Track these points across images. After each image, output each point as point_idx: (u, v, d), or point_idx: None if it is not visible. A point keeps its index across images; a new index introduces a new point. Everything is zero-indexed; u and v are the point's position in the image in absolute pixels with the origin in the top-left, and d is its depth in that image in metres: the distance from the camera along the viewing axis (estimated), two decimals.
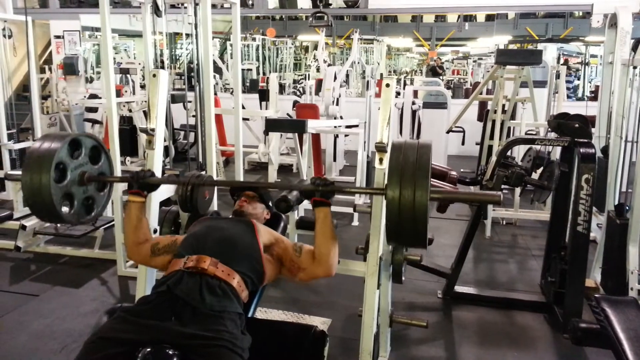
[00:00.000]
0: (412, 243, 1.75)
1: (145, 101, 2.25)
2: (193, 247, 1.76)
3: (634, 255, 3.01)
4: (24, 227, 3.74)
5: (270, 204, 2.23)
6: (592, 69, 12.91)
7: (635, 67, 3.25)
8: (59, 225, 3.87)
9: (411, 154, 1.60)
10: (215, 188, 2.65)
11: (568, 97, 8.87)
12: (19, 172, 1.77)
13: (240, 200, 2.14)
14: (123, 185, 3.62)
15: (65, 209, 1.82)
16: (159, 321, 1.52)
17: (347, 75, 8.68)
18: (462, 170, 6.49)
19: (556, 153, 3.93)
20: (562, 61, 11.83)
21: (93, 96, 7.61)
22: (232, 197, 2.26)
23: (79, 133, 1.92)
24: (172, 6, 4.03)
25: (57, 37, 9.07)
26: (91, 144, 1.92)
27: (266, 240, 1.90)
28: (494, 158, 3.04)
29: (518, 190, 4.64)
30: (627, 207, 3.13)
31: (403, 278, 2.28)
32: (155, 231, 2.22)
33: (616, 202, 3.31)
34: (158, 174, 2.27)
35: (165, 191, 2.60)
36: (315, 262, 1.83)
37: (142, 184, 1.89)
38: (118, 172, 3.46)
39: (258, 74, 12.15)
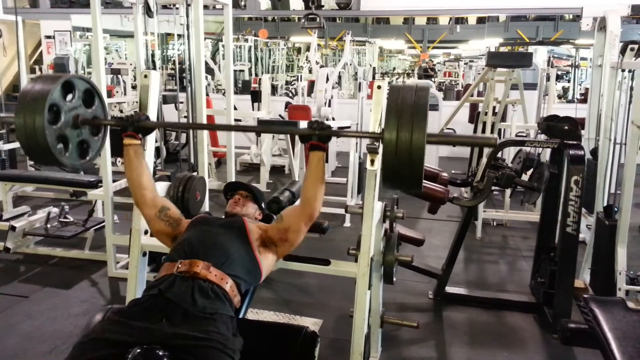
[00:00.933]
0: (408, 186, 1.71)
1: (137, 102, 2.25)
2: (186, 252, 1.76)
3: (623, 256, 3.04)
4: (13, 228, 3.71)
5: (262, 204, 2.24)
6: (581, 71, 13.01)
7: (624, 70, 3.29)
8: (49, 225, 3.85)
9: (409, 97, 1.59)
10: (207, 190, 2.65)
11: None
12: (12, 115, 1.74)
13: (233, 200, 2.14)
14: (114, 185, 3.62)
15: (60, 153, 1.78)
16: (149, 323, 1.51)
17: (340, 77, 8.71)
18: (453, 171, 6.53)
19: (546, 155, 3.96)
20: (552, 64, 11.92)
21: None
22: (225, 197, 2.26)
23: (72, 74, 1.87)
24: (164, 7, 4.02)
25: (48, 37, 9.02)
26: (84, 87, 1.88)
27: (256, 235, 1.91)
28: (484, 160, 3.06)
29: (508, 191, 4.66)
30: (616, 209, 3.16)
31: (394, 279, 2.29)
32: (146, 232, 2.22)
33: (605, 204, 3.35)
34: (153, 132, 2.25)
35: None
36: (300, 209, 1.88)
37: (136, 127, 1.88)
38: (109, 178, 3.46)
39: (250, 75, 12.15)
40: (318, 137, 1.80)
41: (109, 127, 2.02)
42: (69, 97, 1.82)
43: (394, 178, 1.63)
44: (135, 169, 1.91)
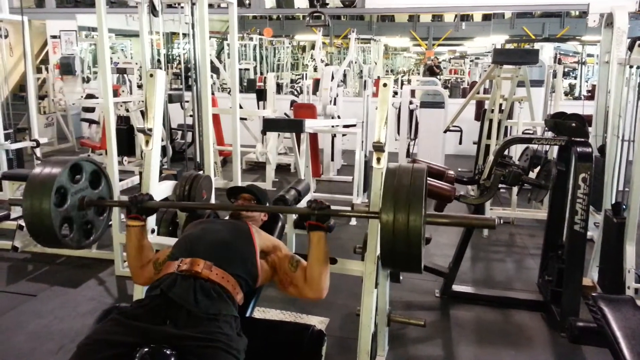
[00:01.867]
0: (407, 267, 1.75)
1: (143, 101, 2.25)
2: (187, 250, 1.75)
3: (631, 253, 3.02)
4: (21, 227, 3.72)
5: (267, 205, 2.23)
6: (588, 68, 12.93)
7: (631, 67, 3.26)
8: None
9: (405, 178, 1.61)
10: (213, 189, 2.65)
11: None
12: (21, 198, 1.80)
13: (237, 202, 2.14)
14: (121, 184, 3.63)
15: (65, 233, 1.84)
16: (153, 324, 1.51)
17: (345, 75, 8.69)
18: (459, 169, 6.51)
19: (553, 152, 3.93)
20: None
21: (90, 96, 7.59)
22: (228, 199, 2.25)
23: (80, 157, 1.94)
24: (169, 6, 4.02)
25: (54, 37, 9.05)
26: (91, 169, 1.95)
27: (263, 245, 1.89)
28: (491, 157, 3.04)
29: (515, 189, 4.64)
30: (624, 206, 3.13)
31: (401, 277, 2.29)
32: (153, 231, 2.22)
33: (613, 201, 3.32)
34: (156, 173, 2.28)
35: (164, 191, 2.60)
36: (307, 283, 1.82)
37: (140, 208, 1.90)
38: (116, 177, 3.47)
39: (255, 73, 12.13)
40: (317, 217, 1.77)
41: (114, 206, 2.07)
42: (77, 179, 1.88)
43: (393, 258, 1.65)
44: (137, 251, 1.91)
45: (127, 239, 1.92)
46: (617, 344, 1.83)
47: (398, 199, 1.57)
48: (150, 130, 2.23)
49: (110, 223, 3.68)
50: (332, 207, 1.83)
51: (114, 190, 3.43)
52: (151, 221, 2.19)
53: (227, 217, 2.14)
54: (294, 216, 2.73)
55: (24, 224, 3.72)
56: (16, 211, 4.10)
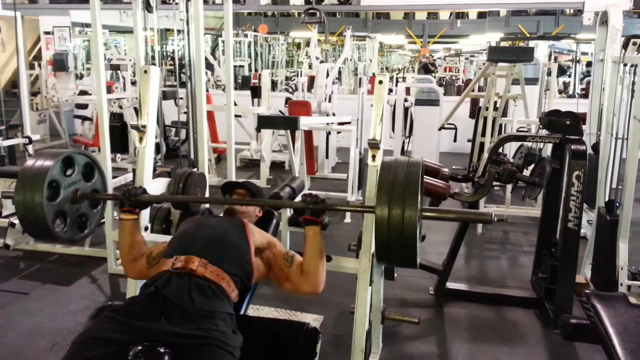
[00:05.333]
0: (402, 262, 1.74)
1: (136, 98, 2.24)
2: (182, 247, 1.74)
3: (624, 251, 3.04)
4: (13, 225, 3.70)
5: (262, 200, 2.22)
6: (583, 66, 12.98)
7: (625, 65, 3.27)
8: None
9: (400, 172, 1.59)
10: (208, 186, 2.64)
11: None
12: (12, 191, 1.78)
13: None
14: (114, 182, 3.61)
15: (58, 227, 1.83)
16: (148, 321, 1.50)
17: (340, 72, 8.69)
18: (454, 167, 6.51)
19: (547, 150, 3.95)
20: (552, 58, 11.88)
21: (83, 93, 7.56)
22: (222, 195, 2.24)
23: (72, 150, 1.93)
24: (163, 2, 4.00)
25: (47, 33, 8.99)
26: (84, 161, 1.94)
27: (258, 242, 1.88)
28: (485, 155, 3.04)
29: (509, 187, 4.65)
30: (617, 204, 3.15)
31: (395, 275, 2.29)
32: (146, 228, 2.21)
33: (606, 199, 3.34)
34: (149, 170, 2.26)
35: (157, 188, 2.59)
36: (303, 278, 1.81)
37: (133, 201, 1.88)
38: (109, 174, 3.44)
39: (250, 70, 12.11)
40: (312, 211, 1.76)
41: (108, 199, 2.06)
42: (69, 171, 1.87)
43: (388, 254, 1.63)
44: (129, 245, 1.90)
45: (120, 232, 1.90)
46: (609, 340, 1.85)
47: (393, 193, 1.55)
48: (144, 127, 2.21)
49: (102, 221, 3.68)
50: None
51: (107, 187, 3.42)
52: (145, 218, 2.17)
53: (221, 214, 2.13)
54: (289, 213, 2.73)
55: (15, 222, 3.73)
56: (8, 208, 4.07)
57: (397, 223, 1.53)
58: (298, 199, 2.27)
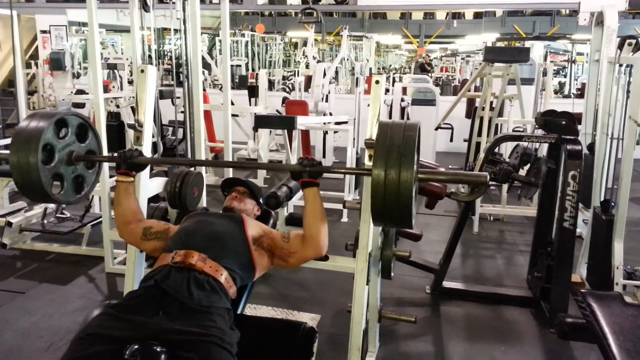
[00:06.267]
0: (398, 223, 1.73)
1: (133, 97, 2.24)
2: (182, 242, 1.76)
3: (619, 250, 3.05)
4: (10, 224, 3.69)
5: (260, 200, 2.23)
6: (578, 66, 13.03)
7: (621, 65, 3.29)
8: (45, 221, 3.84)
9: (397, 134, 1.59)
10: (204, 186, 2.64)
11: None
12: (7, 152, 1.76)
13: (231, 196, 2.13)
14: (111, 181, 3.60)
15: (55, 189, 1.81)
16: (146, 317, 1.51)
17: (337, 72, 8.69)
18: (450, 166, 6.53)
19: (543, 150, 3.96)
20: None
21: (80, 92, 7.52)
22: (222, 193, 2.25)
23: (65, 111, 1.90)
24: (160, 1, 4.00)
25: (44, 31, 8.94)
26: (77, 122, 1.90)
27: (255, 233, 1.89)
28: (481, 155, 3.05)
29: (505, 186, 4.68)
30: (613, 204, 3.16)
31: (392, 274, 2.29)
32: None
33: (602, 199, 3.36)
34: (147, 169, 2.26)
35: (154, 188, 2.59)
36: (306, 243, 1.82)
37: (130, 163, 1.88)
38: (107, 174, 3.44)
39: (247, 70, 12.09)
40: (309, 173, 1.77)
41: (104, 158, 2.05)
42: (63, 133, 1.84)
43: (383, 215, 1.62)
44: (122, 204, 1.90)
45: (115, 194, 1.91)
46: (605, 339, 1.86)
47: (390, 152, 1.54)
48: (141, 126, 2.21)
49: (100, 220, 3.68)
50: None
51: (104, 186, 3.42)
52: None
53: (220, 211, 2.14)
54: (286, 213, 2.73)
55: (12, 221, 3.72)
56: (4, 207, 4.06)
57: (394, 184, 1.53)
58: (295, 199, 2.27)
